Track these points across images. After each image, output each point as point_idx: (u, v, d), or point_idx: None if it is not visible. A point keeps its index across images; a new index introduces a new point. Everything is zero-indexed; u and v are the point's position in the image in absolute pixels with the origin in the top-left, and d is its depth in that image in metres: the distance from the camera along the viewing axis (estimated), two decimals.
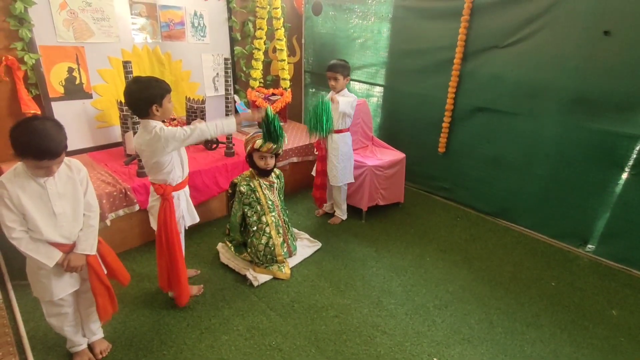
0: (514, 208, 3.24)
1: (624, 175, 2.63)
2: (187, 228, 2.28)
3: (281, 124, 2.41)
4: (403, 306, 2.33)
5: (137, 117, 2.56)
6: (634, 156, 2.56)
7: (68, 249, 1.59)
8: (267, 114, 2.29)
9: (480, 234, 3.16)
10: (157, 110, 1.87)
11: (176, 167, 2.02)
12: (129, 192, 2.58)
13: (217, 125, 1.99)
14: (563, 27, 2.69)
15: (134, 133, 2.59)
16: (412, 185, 3.88)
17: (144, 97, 1.84)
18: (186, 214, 2.21)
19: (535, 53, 2.85)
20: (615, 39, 2.49)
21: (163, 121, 1.97)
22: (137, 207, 2.63)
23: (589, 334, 2.18)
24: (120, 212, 2.60)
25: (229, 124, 2.04)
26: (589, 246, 2.89)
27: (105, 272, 1.75)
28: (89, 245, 1.63)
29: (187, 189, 2.18)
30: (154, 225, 2.10)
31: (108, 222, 2.51)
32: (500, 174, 3.25)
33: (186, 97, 3.48)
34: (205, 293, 2.38)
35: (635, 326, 2.25)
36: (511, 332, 2.17)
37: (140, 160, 2.67)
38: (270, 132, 2.34)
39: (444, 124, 3.46)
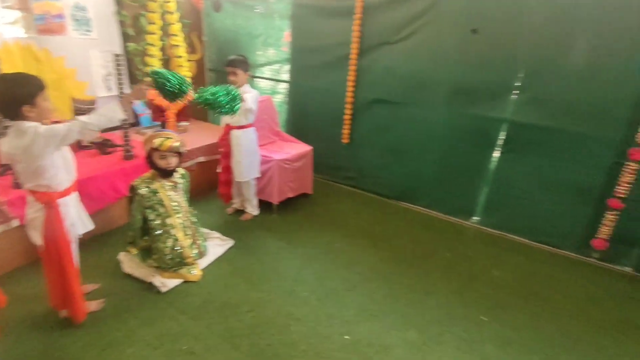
0: (413, 190, 3.54)
1: (497, 154, 3.04)
2: (80, 236, 2.08)
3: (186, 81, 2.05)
4: (315, 292, 2.42)
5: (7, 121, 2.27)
6: (503, 137, 2.96)
7: None
8: (155, 72, 1.99)
9: (384, 217, 3.40)
10: (30, 111, 1.66)
11: (60, 169, 1.82)
12: (3, 207, 2.27)
13: (101, 113, 1.81)
14: (440, 26, 3.01)
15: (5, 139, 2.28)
16: (320, 176, 4.01)
17: (11, 97, 1.63)
18: (77, 221, 2.00)
19: (421, 48, 3.14)
20: (481, 36, 2.85)
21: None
22: (15, 223, 2.33)
23: (477, 294, 2.49)
24: None
25: (113, 108, 1.84)
26: (474, 218, 3.29)
27: None
28: None
29: (76, 194, 1.98)
30: (36, 239, 1.87)
31: None
32: (399, 160, 3.52)
33: (72, 98, 3.16)
34: (107, 307, 2.20)
35: (513, 282, 2.62)
36: (413, 302, 2.38)
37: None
38: (165, 89, 1.99)
39: (345, 116, 3.64)
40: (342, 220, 3.30)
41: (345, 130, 3.69)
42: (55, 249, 1.84)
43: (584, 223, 2.82)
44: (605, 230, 2.72)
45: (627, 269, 2.77)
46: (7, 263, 2.42)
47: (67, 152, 1.88)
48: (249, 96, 2.80)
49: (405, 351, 2.03)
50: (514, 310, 2.36)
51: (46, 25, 3.16)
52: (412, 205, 3.58)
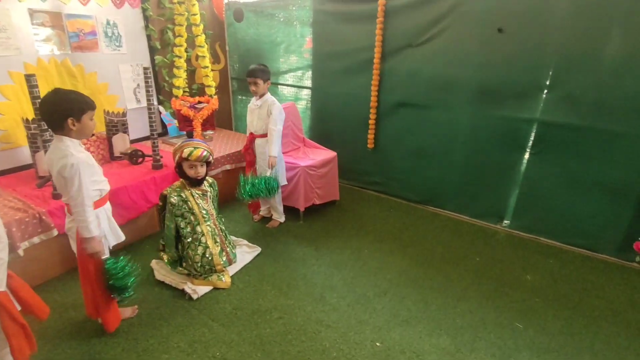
0: (440, 194, 3.48)
1: (526, 156, 2.96)
2: (111, 248, 2.14)
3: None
4: (345, 299, 2.41)
5: (49, 135, 2.38)
6: (532, 137, 2.88)
7: None
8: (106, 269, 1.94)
9: (412, 222, 3.36)
10: (74, 125, 1.73)
11: (91, 185, 1.88)
12: (44, 217, 2.37)
13: (83, 221, 1.79)
14: (464, 26, 2.97)
15: (46, 152, 2.39)
16: (346, 182, 4.01)
17: (60, 108, 1.70)
18: (109, 233, 2.05)
19: (444, 50, 3.10)
20: (507, 35, 2.80)
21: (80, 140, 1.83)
22: (55, 232, 2.43)
23: (509, 299, 2.42)
24: (36, 240, 2.37)
25: (86, 229, 1.80)
26: (505, 222, 3.21)
27: (20, 308, 1.60)
28: None
29: (108, 205, 2.04)
30: (74, 247, 1.95)
31: (21, 252, 2.28)
32: (424, 164, 3.48)
33: (104, 110, 3.28)
34: (141, 313, 2.26)
35: (547, 286, 2.54)
36: (444, 307, 2.34)
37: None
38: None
39: (370, 121, 3.63)
40: (370, 226, 3.28)
41: (370, 135, 3.68)
42: (86, 258, 1.90)
43: (623, 225, 2.70)
44: None
45: None
46: (47, 272, 2.52)
47: (97, 167, 1.93)
48: (276, 115, 2.86)
49: (439, 358, 1.99)
50: (549, 316, 2.29)
51: (80, 42, 3.30)
52: (439, 210, 3.52)
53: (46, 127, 2.36)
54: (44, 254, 2.46)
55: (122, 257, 1.99)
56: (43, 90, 2.25)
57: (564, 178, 2.83)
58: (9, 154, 3.00)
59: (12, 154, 3.02)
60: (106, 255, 2.01)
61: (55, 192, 2.53)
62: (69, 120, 1.71)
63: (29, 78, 2.25)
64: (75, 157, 1.72)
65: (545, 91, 2.76)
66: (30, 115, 2.78)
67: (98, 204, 1.93)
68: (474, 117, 3.09)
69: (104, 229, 1.99)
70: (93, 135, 3.19)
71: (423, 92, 3.30)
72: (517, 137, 2.95)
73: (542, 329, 2.19)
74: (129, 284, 1.99)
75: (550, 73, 2.71)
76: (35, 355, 1.76)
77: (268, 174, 2.92)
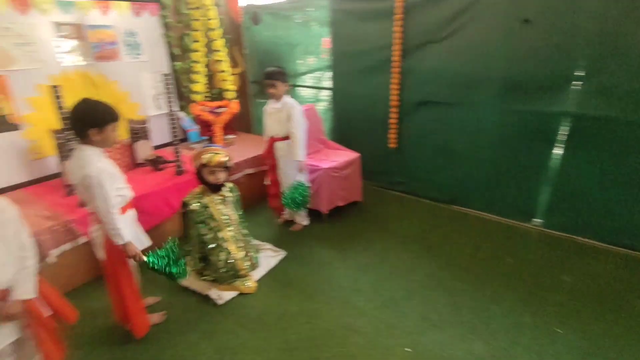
0: (466, 193, 3.38)
1: (558, 151, 2.82)
2: None
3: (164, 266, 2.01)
4: (372, 302, 2.35)
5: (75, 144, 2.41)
6: (566, 132, 2.75)
7: (1, 297, 1.44)
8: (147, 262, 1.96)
9: (437, 222, 3.26)
10: (97, 135, 1.75)
11: (115, 193, 1.89)
12: (72, 225, 2.41)
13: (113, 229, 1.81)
14: (487, 19, 2.86)
15: None
16: (369, 183, 3.94)
17: (86, 117, 1.74)
18: (134, 238, 2.06)
19: (467, 45, 3.00)
20: (535, 26, 2.68)
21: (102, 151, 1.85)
22: (82, 240, 2.46)
23: (545, 301, 2.30)
24: (67, 247, 2.42)
25: (118, 236, 1.82)
26: (536, 220, 3.07)
27: (50, 313, 1.61)
28: (26, 290, 1.48)
29: (132, 212, 2.05)
30: (100, 255, 1.96)
31: (53, 259, 2.33)
32: (449, 163, 3.38)
33: (127, 119, 3.32)
34: (168, 319, 2.26)
35: (585, 288, 2.41)
36: (476, 311, 2.25)
37: None
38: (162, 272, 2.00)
39: (391, 120, 3.55)
40: (394, 227, 3.21)
41: (392, 135, 3.60)
42: (114, 266, 1.91)
43: None
44: None
45: None
46: (76, 278, 2.56)
47: (118, 175, 1.93)
48: (298, 119, 2.84)
49: None
50: (590, 318, 2.16)
51: (102, 52, 3.36)
52: (466, 209, 3.41)
53: (73, 137, 2.39)
54: (72, 261, 2.50)
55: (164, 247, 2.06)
56: (68, 101, 2.30)
57: (601, 173, 2.68)
58: (39, 163, 3.08)
59: (42, 163, 3.09)
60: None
61: (81, 201, 2.56)
62: (93, 130, 1.73)
63: (54, 89, 2.28)
64: (95, 166, 1.73)
65: (579, 82, 2.62)
66: (57, 125, 2.83)
67: (122, 210, 1.94)
68: (501, 112, 2.98)
69: (130, 235, 2.00)
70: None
71: (446, 89, 3.20)
72: (547, 131, 2.82)
73: (583, 333, 2.07)
74: (182, 266, 2.06)
75: (583, 64, 2.58)
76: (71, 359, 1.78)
77: (298, 178, 2.94)
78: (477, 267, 2.64)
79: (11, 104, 2.88)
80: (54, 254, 2.35)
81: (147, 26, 3.64)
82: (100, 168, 1.75)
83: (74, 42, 3.17)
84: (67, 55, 3.15)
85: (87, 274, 2.60)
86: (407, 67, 3.36)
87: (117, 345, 2.09)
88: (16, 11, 2.84)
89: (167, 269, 1.99)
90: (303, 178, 3.00)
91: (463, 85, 3.11)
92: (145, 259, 1.94)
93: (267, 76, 2.84)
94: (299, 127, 2.85)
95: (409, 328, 2.14)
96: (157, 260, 1.98)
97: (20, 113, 2.93)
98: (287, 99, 2.90)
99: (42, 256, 2.23)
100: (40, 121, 3.02)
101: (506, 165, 3.08)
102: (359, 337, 2.09)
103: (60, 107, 2.33)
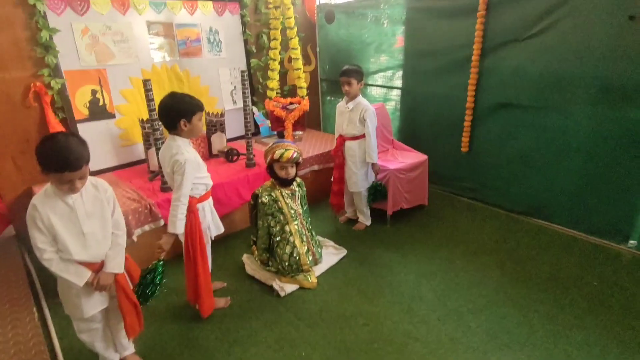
0: (547, 206, 3.10)
1: None
2: (213, 238, 2.28)
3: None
4: (435, 312, 2.25)
5: (159, 134, 2.62)
6: None
7: (97, 268, 1.60)
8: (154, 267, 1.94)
9: (511, 235, 3.03)
10: (185, 126, 1.91)
11: (198, 180, 2.03)
12: (153, 208, 2.61)
13: (174, 216, 1.92)
14: (586, 15, 2.59)
15: (157, 150, 2.63)
16: (436, 187, 3.79)
17: (174, 110, 1.89)
18: (212, 224, 2.21)
19: (558, 44, 2.75)
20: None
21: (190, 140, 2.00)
22: (162, 222, 2.66)
23: (636, 334, 2.04)
24: (146, 228, 2.63)
25: (174, 224, 1.93)
26: (632, 242, 2.73)
27: (132, 287, 1.77)
28: (117, 264, 1.63)
29: (210, 199, 2.18)
30: (181, 237, 2.11)
31: (135, 238, 2.54)
32: (528, 171, 3.13)
33: (205, 111, 3.52)
34: (233, 305, 2.37)
35: None
36: (554, 335, 2.05)
37: (163, 175, 2.71)
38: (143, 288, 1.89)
39: (465, 123, 3.37)
40: (462, 236, 3.05)
41: (465, 138, 3.42)
42: (192, 248, 2.04)
43: None
44: None
45: None
46: (154, 257, 2.75)
47: (202, 165, 2.06)
48: (372, 121, 2.85)
49: None
50: None
51: (186, 49, 3.60)
52: (546, 223, 3.13)
53: (157, 127, 2.60)
54: (152, 240, 2.70)
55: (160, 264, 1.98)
56: (156, 94, 2.49)
57: None
58: (128, 149, 3.38)
59: (130, 150, 3.40)
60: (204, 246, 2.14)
61: (163, 186, 2.77)
62: (182, 121, 1.87)
63: (145, 83, 2.48)
64: (185, 155, 1.87)
65: None
66: (145, 115, 3.09)
67: (203, 198, 2.09)
68: (595, 118, 2.68)
69: (208, 221, 2.14)
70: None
71: (530, 91, 2.96)
72: None
73: None
74: (155, 292, 1.92)
75: None
76: (143, 333, 1.93)
77: (373, 179, 3.03)
78: (557, 288, 2.41)
79: (109, 95, 3.19)
80: (136, 233, 2.56)
81: (228, 24, 3.83)
82: (188, 157, 1.89)
83: (163, 40, 3.43)
84: (157, 52, 3.41)
85: (165, 254, 2.80)
86: (486, 67, 3.17)
87: (185, 323, 2.23)
88: (117, 12, 3.13)
89: (151, 288, 1.90)
90: (374, 178, 3.03)
91: (549, 87, 2.85)
92: (161, 257, 1.96)
93: (343, 73, 2.84)
94: (373, 128, 2.82)
95: (475, 344, 2.01)
96: (155, 275, 1.93)
97: (115, 103, 3.24)
98: (360, 99, 2.88)
99: (128, 234, 2.45)
100: (131, 111, 3.32)
101: (598, 178, 2.77)
102: (419, 346, 2.01)
103: (150, 100, 2.52)
